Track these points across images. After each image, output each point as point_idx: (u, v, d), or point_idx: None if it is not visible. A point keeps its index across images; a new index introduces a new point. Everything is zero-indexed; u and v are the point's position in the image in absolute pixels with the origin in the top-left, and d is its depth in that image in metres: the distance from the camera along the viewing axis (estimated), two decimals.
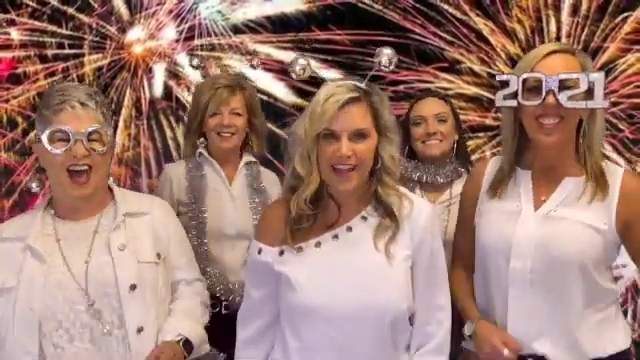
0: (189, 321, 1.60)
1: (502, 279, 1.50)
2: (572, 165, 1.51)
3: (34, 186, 1.87)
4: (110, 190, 1.65)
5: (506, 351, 1.44)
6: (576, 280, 1.45)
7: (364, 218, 1.42)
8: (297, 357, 1.41)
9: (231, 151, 2.17)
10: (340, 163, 1.34)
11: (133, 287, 1.47)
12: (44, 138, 1.46)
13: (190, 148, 2.19)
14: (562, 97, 1.39)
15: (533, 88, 1.44)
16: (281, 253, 1.42)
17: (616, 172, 1.49)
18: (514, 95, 1.45)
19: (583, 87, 1.39)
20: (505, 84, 1.48)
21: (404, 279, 1.38)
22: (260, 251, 1.44)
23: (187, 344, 1.53)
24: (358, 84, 1.39)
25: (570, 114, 1.43)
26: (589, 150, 1.48)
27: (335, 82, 1.41)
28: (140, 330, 1.46)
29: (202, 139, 2.19)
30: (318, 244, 1.41)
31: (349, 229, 1.41)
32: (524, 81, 1.44)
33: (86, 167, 1.48)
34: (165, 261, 1.61)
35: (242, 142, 2.20)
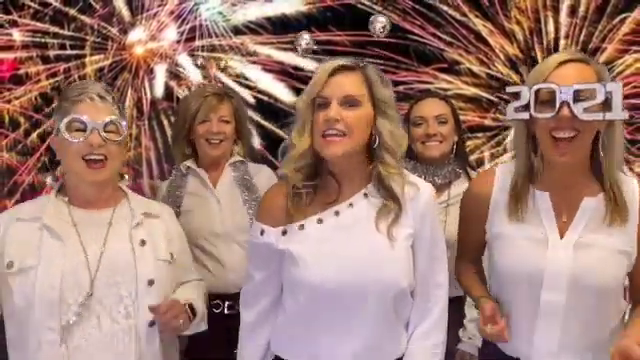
0: (195, 295, 1.66)
1: (528, 308, 1.42)
2: (589, 183, 1.41)
3: (49, 180, 1.90)
4: (120, 189, 1.66)
5: (489, 327, 1.39)
6: (608, 305, 1.39)
7: (365, 195, 1.40)
8: (298, 330, 1.41)
9: (219, 158, 2.18)
10: (329, 128, 1.32)
11: (151, 282, 1.50)
12: (62, 127, 1.49)
13: (180, 157, 2.20)
14: (577, 109, 1.27)
15: (546, 100, 1.32)
16: (284, 232, 1.39)
17: (631, 184, 1.41)
18: (526, 107, 1.33)
19: (600, 98, 1.26)
20: (516, 96, 1.35)
21: (405, 256, 1.37)
22: (262, 232, 1.42)
23: (192, 309, 1.57)
24: (358, 61, 1.39)
25: (586, 127, 1.31)
26: (610, 167, 1.38)
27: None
28: (152, 324, 1.48)
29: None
30: (320, 220, 1.39)
31: (350, 205, 1.39)
32: (536, 92, 1.32)
33: (102, 156, 1.50)
34: (175, 262, 1.63)
35: (230, 150, 2.23)
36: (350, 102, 1.34)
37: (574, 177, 1.40)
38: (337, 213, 1.40)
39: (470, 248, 1.66)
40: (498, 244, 1.49)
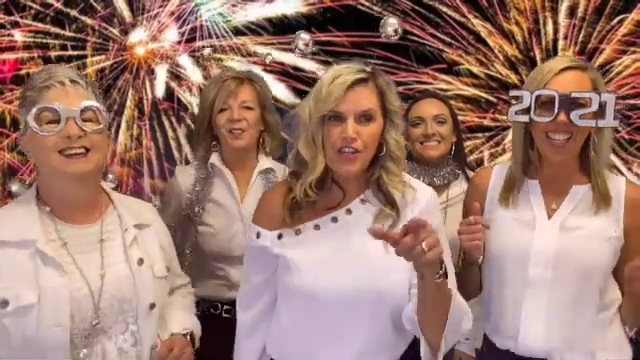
0: (190, 315, 1.57)
1: (518, 285, 1.51)
2: (578, 174, 1.53)
3: (15, 188, 1.59)
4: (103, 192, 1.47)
5: (472, 218, 1.48)
6: (595, 288, 1.48)
7: (363, 201, 1.38)
8: (293, 337, 1.40)
9: (245, 152, 1.93)
10: (346, 145, 1.29)
11: (152, 306, 1.37)
12: (30, 119, 1.24)
13: (203, 154, 1.96)
14: (574, 116, 1.39)
15: (545, 104, 1.44)
16: (280, 237, 1.37)
17: (619, 183, 1.52)
18: (526, 111, 1.46)
19: (594, 106, 1.39)
20: (518, 99, 1.48)
21: (403, 264, 1.33)
22: (258, 235, 1.40)
23: (191, 337, 1.49)
24: (365, 67, 1.34)
25: (580, 131, 1.44)
26: (597, 163, 1.50)
27: (341, 64, 1.38)
28: (153, 348, 1.38)
29: (214, 142, 1.98)
30: (317, 227, 1.37)
31: (348, 212, 1.37)
32: (537, 97, 1.44)
33: (82, 149, 1.28)
34: (170, 272, 1.52)
35: (256, 142, 1.98)
36: (366, 117, 1.32)
37: (565, 170, 1.52)
38: (335, 219, 1.38)
39: None
40: (492, 229, 1.56)
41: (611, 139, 1.54)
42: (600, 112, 1.40)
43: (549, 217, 1.52)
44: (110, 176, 1.51)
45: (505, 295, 1.56)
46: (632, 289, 1.39)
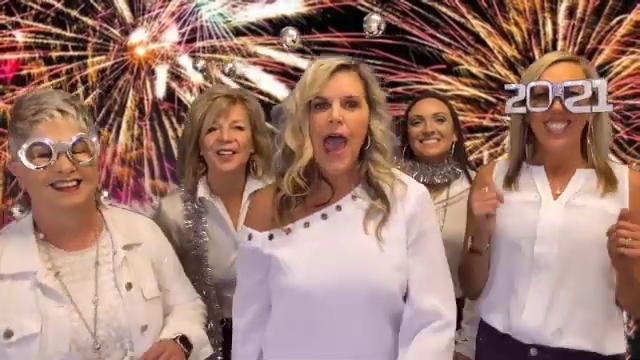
0: (187, 322, 1.53)
1: (525, 264, 1.53)
2: (580, 161, 1.56)
3: (16, 211, 1.54)
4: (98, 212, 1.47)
5: (486, 189, 1.52)
6: (600, 266, 1.48)
7: (354, 197, 1.37)
8: (288, 338, 1.38)
9: (234, 175, 1.83)
10: (332, 130, 1.28)
11: (144, 328, 1.37)
12: (22, 155, 1.24)
13: (190, 180, 1.85)
14: (568, 103, 1.45)
15: (540, 95, 1.49)
16: (270, 237, 1.37)
17: (622, 169, 1.55)
18: (522, 103, 1.51)
19: (587, 93, 1.44)
20: (514, 93, 1.53)
21: (396, 258, 1.33)
22: (250, 237, 1.40)
23: (185, 341, 1.44)
24: (348, 58, 1.36)
25: (576, 118, 1.49)
26: (596, 149, 1.54)
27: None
28: None
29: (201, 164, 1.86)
30: (307, 224, 1.36)
31: (338, 208, 1.36)
32: (532, 89, 1.50)
33: (74, 182, 1.29)
34: (163, 290, 1.50)
35: (245, 165, 1.87)
36: (351, 103, 1.32)
37: (567, 157, 1.56)
38: (324, 216, 1.37)
39: None
40: (497, 213, 1.56)
41: (609, 126, 1.58)
42: (594, 98, 1.45)
43: (555, 199, 1.54)
44: (105, 193, 1.46)
45: (510, 275, 1.56)
46: (613, 254, 1.40)
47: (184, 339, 1.44)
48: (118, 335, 1.33)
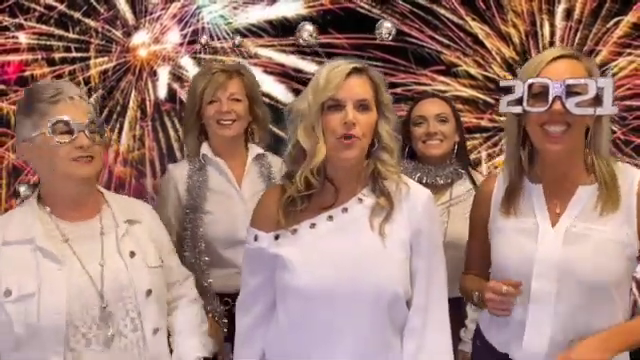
0: (198, 338, 1.58)
1: (524, 297, 1.39)
2: (583, 173, 1.41)
3: (23, 190, 1.75)
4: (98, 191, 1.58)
5: (504, 288, 1.35)
6: (605, 299, 1.35)
7: (360, 200, 1.38)
8: (291, 338, 1.37)
9: (234, 141, 1.96)
10: (346, 131, 1.30)
11: (149, 292, 1.44)
12: (47, 129, 1.35)
13: (193, 145, 1.98)
14: (569, 104, 1.30)
15: (539, 94, 1.34)
16: (276, 237, 1.38)
17: (632, 174, 1.38)
18: (519, 101, 1.36)
19: (591, 93, 1.29)
20: (510, 90, 1.38)
21: (400, 262, 1.33)
22: (256, 238, 1.41)
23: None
24: (359, 61, 1.38)
25: (577, 121, 1.33)
26: (597, 155, 1.39)
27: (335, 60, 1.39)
28: (156, 331, 1.45)
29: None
30: (312, 225, 1.36)
31: (344, 210, 1.37)
32: (529, 87, 1.34)
33: (89, 157, 1.41)
34: (164, 266, 1.57)
35: (244, 132, 2.01)
36: (363, 106, 1.34)
37: (567, 168, 1.39)
38: (331, 218, 1.38)
39: (476, 257, 1.62)
40: (494, 239, 1.49)
41: (610, 130, 1.42)
42: (597, 99, 1.30)
43: (553, 224, 1.39)
44: None
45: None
46: None
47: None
48: (121, 296, 1.41)
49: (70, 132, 1.37)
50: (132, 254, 1.45)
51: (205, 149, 1.95)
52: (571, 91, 1.31)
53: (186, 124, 2.00)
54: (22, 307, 1.31)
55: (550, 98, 1.31)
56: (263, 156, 2.02)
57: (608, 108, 1.30)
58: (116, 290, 1.40)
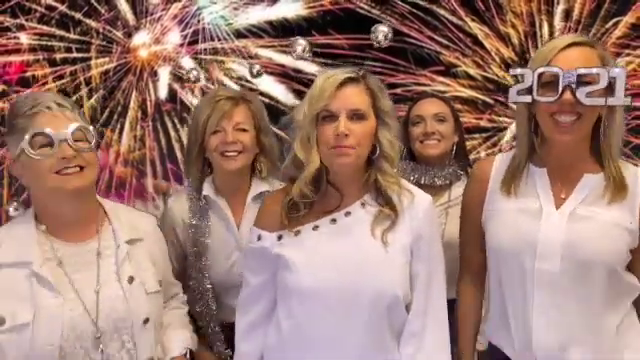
0: (186, 331, 1.56)
1: (525, 281, 1.37)
2: (589, 162, 1.37)
3: (12, 210, 1.54)
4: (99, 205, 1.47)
5: None
6: (604, 282, 1.32)
7: (363, 205, 1.36)
8: (291, 340, 1.36)
9: (238, 175, 1.80)
10: (339, 143, 1.28)
11: (146, 321, 1.35)
12: (25, 145, 1.25)
13: (195, 179, 1.83)
14: (580, 93, 1.24)
15: (549, 83, 1.28)
16: (279, 238, 1.36)
17: (633, 169, 1.37)
18: (529, 90, 1.30)
19: (603, 83, 1.23)
20: (519, 79, 1.32)
21: (401, 266, 1.32)
22: (259, 237, 1.39)
23: (191, 353, 1.51)
24: (356, 70, 1.35)
25: (588, 112, 1.28)
26: (609, 149, 1.34)
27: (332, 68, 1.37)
28: None
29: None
30: (315, 227, 1.35)
31: (347, 214, 1.36)
32: (540, 76, 1.28)
33: (77, 168, 1.30)
34: (163, 283, 1.50)
35: (250, 165, 1.84)
36: (357, 115, 1.31)
37: (574, 156, 1.36)
38: (334, 221, 1.37)
39: (471, 255, 1.59)
40: (493, 221, 1.44)
41: (623, 123, 1.36)
42: (609, 89, 1.24)
43: (557, 207, 1.36)
44: None
45: (510, 294, 1.43)
46: None
47: (190, 351, 1.49)
48: (117, 326, 1.32)
49: (51, 144, 1.27)
50: (131, 279, 1.36)
51: (207, 189, 1.81)
52: (582, 81, 1.25)
53: (189, 156, 1.83)
54: (15, 336, 1.23)
55: (560, 87, 1.26)
56: (264, 194, 1.83)
57: (620, 98, 1.25)
58: (111, 321, 1.31)
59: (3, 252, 1.29)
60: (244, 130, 1.75)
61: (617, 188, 1.33)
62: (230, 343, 1.70)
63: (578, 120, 1.29)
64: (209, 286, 1.79)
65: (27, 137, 1.26)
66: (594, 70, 1.25)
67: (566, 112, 1.28)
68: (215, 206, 1.80)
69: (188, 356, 1.49)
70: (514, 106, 1.49)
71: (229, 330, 1.70)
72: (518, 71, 1.33)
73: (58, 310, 1.26)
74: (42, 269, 1.28)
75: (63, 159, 1.28)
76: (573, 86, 1.25)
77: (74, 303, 1.29)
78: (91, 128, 1.36)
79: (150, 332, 1.37)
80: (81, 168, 1.31)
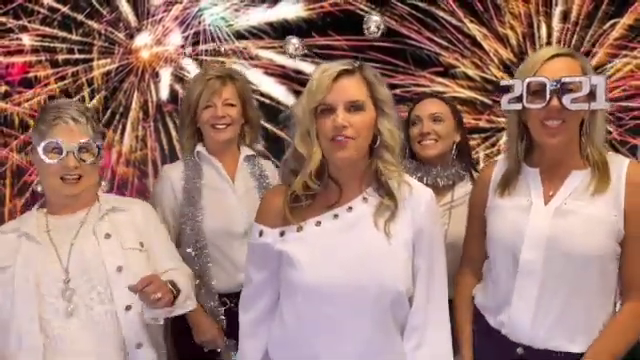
0: (176, 275, 1.65)
1: (511, 270, 1.47)
2: (577, 159, 1.48)
3: (39, 188, 2.02)
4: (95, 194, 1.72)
5: None
6: (589, 274, 1.41)
7: (365, 199, 1.37)
8: (295, 335, 1.36)
9: (228, 143, 2.03)
10: (338, 134, 1.29)
11: (120, 269, 1.54)
12: (40, 150, 1.57)
13: (188, 145, 2.05)
14: (565, 100, 1.38)
15: (537, 91, 1.41)
16: (282, 234, 1.37)
17: (621, 163, 1.46)
18: (519, 99, 1.43)
19: (585, 90, 1.37)
20: (509, 89, 1.45)
21: (403, 261, 1.33)
22: (261, 233, 1.40)
23: (173, 286, 1.55)
24: (352, 62, 1.36)
25: (573, 116, 1.42)
26: (591, 144, 1.46)
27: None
28: (128, 308, 1.52)
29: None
30: (318, 223, 1.35)
31: (349, 209, 1.36)
32: (528, 85, 1.42)
33: (77, 176, 1.59)
34: (149, 252, 1.65)
35: (237, 135, 2.09)
36: (355, 107, 1.32)
37: (563, 156, 1.48)
38: (336, 216, 1.37)
39: (474, 252, 1.67)
40: (491, 216, 1.56)
41: (604, 122, 1.50)
42: (591, 95, 1.38)
43: (546, 203, 1.47)
44: (102, 183, 1.75)
45: (499, 279, 1.52)
46: None
47: (173, 284, 1.56)
48: (88, 274, 1.54)
49: (60, 152, 1.56)
50: (107, 236, 1.59)
51: (200, 148, 2.02)
52: (567, 88, 1.38)
53: (182, 126, 2.09)
54: (1, 277, 1.52)
55: (547, 95, 1.39)
56: (253, 157, 2.09)
57: (602, 103, 1.39)
58: (80, 265, 1.54)
59: (7, 226, 1.66)
60: (232, 105, 2.00)
61: (600, 174, 1.43)
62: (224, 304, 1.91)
63: (564, 124, 1.41)
64: (205, 242, 1.94)
65: (43, 144, 1.56)
66: (577, 78, 1.39)
67: (553, 117, 1.41)
68: (207, 160, 2.01)
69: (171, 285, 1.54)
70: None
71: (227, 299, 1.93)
72: (508, 82, 1.46)
73: (34, 254, 1.55)
74: (30, 229, 1.59)
75: (66, 167, 1.57)
76: (559, 93, 1.38)
77: (49, 251, 1.56)
78: (98, 143, 1.62)
79: (125, 280, 1.50)
80: (79, 177, 1.59)
